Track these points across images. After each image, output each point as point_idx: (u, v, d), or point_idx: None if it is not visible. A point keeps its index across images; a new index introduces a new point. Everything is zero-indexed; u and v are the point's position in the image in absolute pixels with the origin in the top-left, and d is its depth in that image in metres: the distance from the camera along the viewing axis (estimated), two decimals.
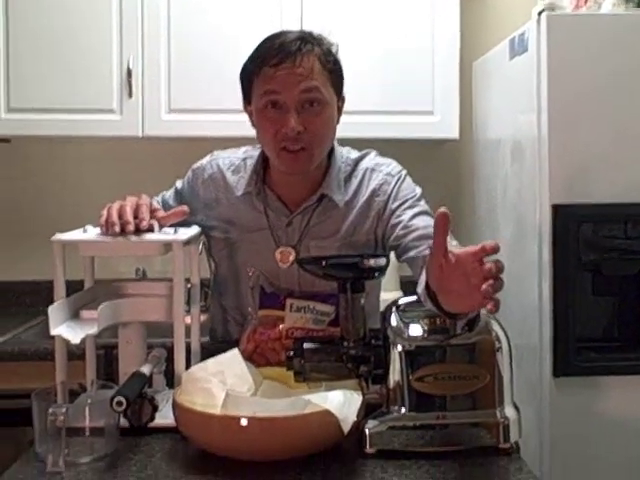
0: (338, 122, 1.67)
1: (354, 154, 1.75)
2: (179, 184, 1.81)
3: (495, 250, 1.07)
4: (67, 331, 1.28)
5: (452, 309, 1.17)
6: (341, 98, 1.66)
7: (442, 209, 1.09)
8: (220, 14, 2.62)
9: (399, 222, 1.62)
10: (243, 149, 1.77)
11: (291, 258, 1.65)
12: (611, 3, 2.35)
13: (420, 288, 1.31)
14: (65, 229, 1.43)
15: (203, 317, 1.66)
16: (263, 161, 1.70)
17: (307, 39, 1.57)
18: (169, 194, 1.81)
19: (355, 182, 1.69)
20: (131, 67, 2.59)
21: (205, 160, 1.79)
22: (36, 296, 2.77)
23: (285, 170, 1.63)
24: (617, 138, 2.13)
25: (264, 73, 1.55)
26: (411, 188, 1.69)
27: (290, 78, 1.53)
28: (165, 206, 1.72)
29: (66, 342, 1.29)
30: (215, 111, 2.57)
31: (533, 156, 2.19)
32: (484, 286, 1.04)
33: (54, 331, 1.27)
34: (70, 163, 2.96)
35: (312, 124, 1.56)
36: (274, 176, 1.69)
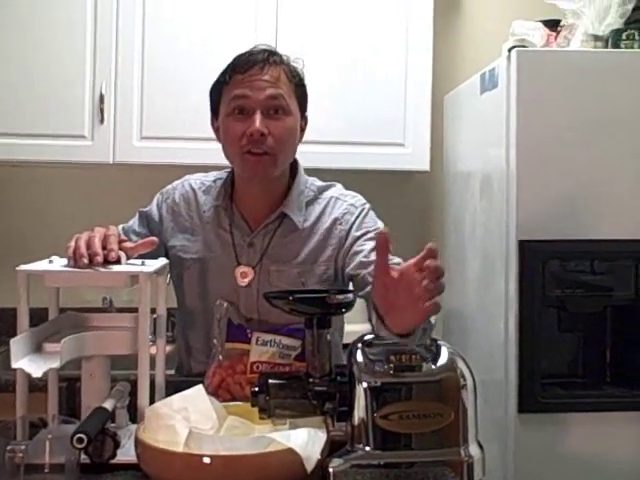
0: (300, 140, 1.72)
1: (319, 183, 1.80)
2: (144, 209, 1.82)
3: (434, 252, 1.11)
4: (29, 365, 1.25)
5: (400, 328, 1.20)
6: (304, 118, 1.72)
7: (383, 229, 1.17)
8: (194, 43, 2.63)
9: (360, 251, 1.66)
10: (214, 173, 1.82)
11: (250, 277, 1.68)
12: (580, 40, 2.39)
13: (373, 317, 1.32)
14: (32, 256, 1.42)
15: (169, 348, 1.65)
16: (231, 180, 1.75)
17: (274, 52, 1.67)
18: (132, 222, 1.82)
19: (318, 208, 1.73)
20: (104, 93, 2.58)
21: (175, 182, 1.83)
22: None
23: (248, 175, 1.67)
24: (585, 175, 2.16)
25: (233, 80, 1.63)
26: (373, 221, 1.73)
27: (257, 84, 1.61)
28: (130, 234, 1.74)
29: (28, 375, 1.27)
30: (187, 139, 2.58)
31: (501, 191, 2.21)
32: (425, 282, 1.09)
33: (15, 364, 1.25)
34: (39, 189, 2.93)
35: (276, 129, 1.62)
36: (240, 192, 1.73)
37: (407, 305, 1.13)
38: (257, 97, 1.61)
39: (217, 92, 1.68)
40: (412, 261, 1.13)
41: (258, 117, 1.60)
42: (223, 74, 1.66)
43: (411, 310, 1.14)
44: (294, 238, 1.70)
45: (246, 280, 1.68)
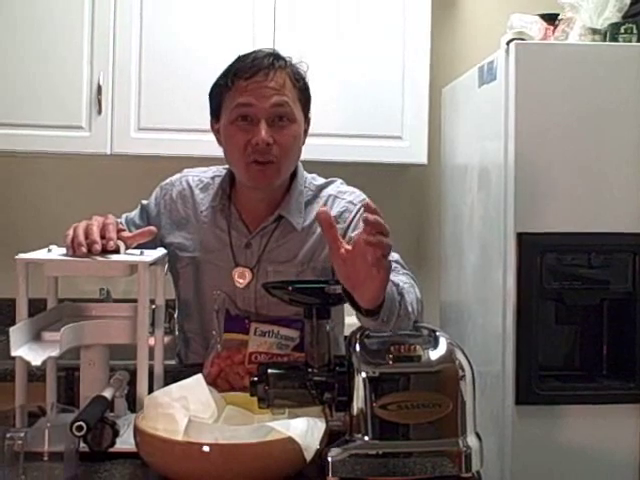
0: (304, 143, 1.68)
1: (319, 181, 1.76)
2: (145, 202, 1.80)
3: (370, 207, 1.13)
4: (28, 353, 1.25)
5: (369, 303, 1.21)
6: (307, 120, 1.68)
7: (322, 208, 1.18)
8: (192, 33, 2.63)
9: None
10: (213, 169, 1.78)
11: (247, 278, 1.65)
12: (578, 34, 2.39)
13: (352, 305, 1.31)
14: (29, 247, 1.41)
15: (167, 339, 1.65)
16: (230, 179, 1.71)
17: (279, 56, 1.61)
18: (134, 214, 1.80)
19: (317, 208, 1.67)
20: (101, 83, 2.58)
21: (174, 177, 1.80)
22: None
23: (252, 184, 1.63)
24: (582, 168, 2.16)
25: (236, 86, 1.57)
26: None
27: (262, 91, 1.56)
28: (130, 226, 1.72)
29: (27, 364, 1.27)
30: (185, 130, 2.57)
31: (499, 184, 2.22)
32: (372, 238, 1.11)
33: (15, 352, 1.25)
34: (36, 180, 2.93)
35: (281, 137, 1.58)
36: (238, 193, 1.70)
37: (366, 274, 1.14)
38: (262, 105, 1.56)
39: (218, 96, 1.62)
40: (360, 231, 1.15)
41: (263, 126, 1.55)
42: (224, 77, 1.61)
43: (370, 278, 1.15)
44: (292, 239, 1.67)
45: (243, 281, 1.66)
